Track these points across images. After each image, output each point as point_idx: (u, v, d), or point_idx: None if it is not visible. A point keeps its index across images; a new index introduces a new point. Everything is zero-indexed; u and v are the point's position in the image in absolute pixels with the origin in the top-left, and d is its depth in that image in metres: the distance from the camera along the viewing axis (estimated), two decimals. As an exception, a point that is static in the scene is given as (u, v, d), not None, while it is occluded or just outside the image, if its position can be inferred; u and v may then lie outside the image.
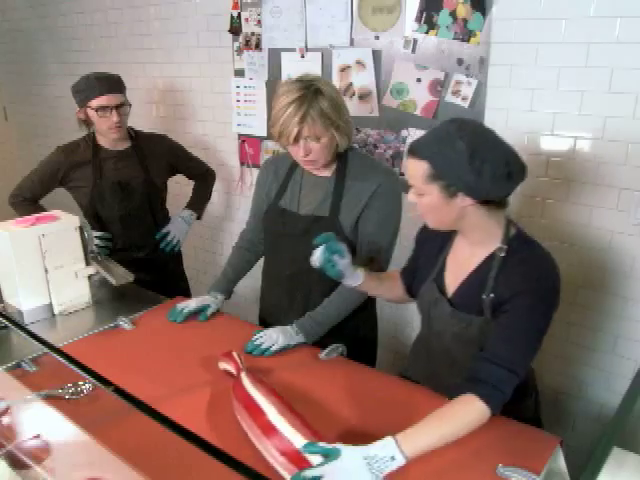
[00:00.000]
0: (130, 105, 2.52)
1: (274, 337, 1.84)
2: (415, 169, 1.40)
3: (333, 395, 1.62)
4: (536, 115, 2.18)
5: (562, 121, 2.13)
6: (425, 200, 1.43)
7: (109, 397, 1.06)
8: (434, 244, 1.65)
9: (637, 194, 2.03)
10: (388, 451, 1.24)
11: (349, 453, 1.23)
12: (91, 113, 2.43)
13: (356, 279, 1.70)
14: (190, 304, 2.06)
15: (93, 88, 2.40)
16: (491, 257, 1.47)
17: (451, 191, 1.38)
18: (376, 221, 1.87)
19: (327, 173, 1.92)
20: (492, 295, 1.44)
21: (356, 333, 2.01)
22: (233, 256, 2.19)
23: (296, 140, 1.75)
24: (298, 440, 1.29)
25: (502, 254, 1.45)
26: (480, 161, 1.33)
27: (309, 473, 1.20)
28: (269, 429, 1.33)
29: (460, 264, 1.56)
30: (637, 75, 1.94)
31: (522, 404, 1.54)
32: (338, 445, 1.25)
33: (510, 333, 1.40)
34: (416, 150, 1.40)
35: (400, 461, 1.24)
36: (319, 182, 1.92)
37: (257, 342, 1.83)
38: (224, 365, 1.71)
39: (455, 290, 1.55)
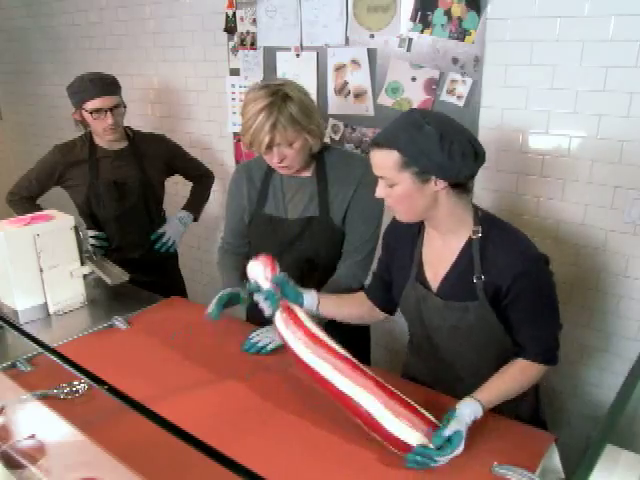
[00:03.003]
0: (125, 106, 2.51)
1: (271, 335, 1.84)
2: (384, 160, 1.40)
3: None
4: (531, 114, 2.18)
5: (556, 120, 2.13)
6: (397, 190, 1.42)
7: (104, 397, 1.06)
8: (404, 243, 1.64)
9: (631, 192, 2.04)
10: (477, 415, 1.39)
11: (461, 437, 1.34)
12: (86, 115, 2.42)
13: (310, 302, 1.67)
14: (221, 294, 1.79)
15: (87, 90, 2.38)
16: (469, 242, 1.49)
17: (424, 176, 1.39)
18: (362, 211, 1.88)
19: (307, 173, 1.91)
20: (483, 277, 1.45)
21: (349, 326, 2.01)
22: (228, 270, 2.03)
23: (269, 148, 1.74)
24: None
25: (479, 235, 1.47)
26: (449, 143, 1.36)
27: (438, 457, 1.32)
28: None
29: (437, 257, 1.55)
30: (631, 74, 1.94)
31: (519, 402, 1.55)
32: (453, 428, 1.34)
33: (536, 312, 1.47)
34: (383, 140, 1.41)
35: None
36: (301, 183, 1.91)
37: (254, 340, 1.83)
38: (264, 282, 1.59)
39: (440, 283, 1.54)
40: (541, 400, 1.69)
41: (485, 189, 2.37)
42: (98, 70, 2.53)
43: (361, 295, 1.80)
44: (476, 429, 1.43)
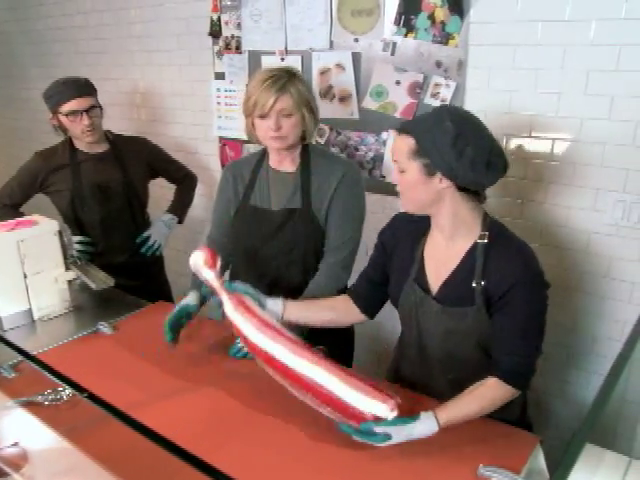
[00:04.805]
0: (101, 108, 2.50)
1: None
2: (401, 145, 1.44)
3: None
4: (514, 117, 2.19)
5: (540, 123, 2.14)
6: (405, 177, 1.45)
7: (89, 404, 1.05)
8: (405, 243, 1.64)
9: (613, 194, 2.05)
10: (430, 432, 1.36)
11: (396, 438, 1.34)
12: (62, 119, 2.42)
13: (275, 308, 1.67)
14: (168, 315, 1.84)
15: (61, 93, 2.39)
16: (474, 247, 1.49)
17: (431, 170, 1.40)
18: (343, 210, 1.91)
19: (292, 168, 1.95)
20: (483, 283, 1.45)
21: (335, 328, 2.01)
22: None
23: (269, 112, 1.80)
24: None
25: (485, 240, 1.47)
26: (464, 143, 1.36)
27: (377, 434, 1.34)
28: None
29: (440, 259, 1.55)
30: (612, 77, 1.96)
31: (507, 405, 1.54)
32: (387, 429, 1.34)
33: (521, 325, 1.44)
34: (405, 126, 1.45)
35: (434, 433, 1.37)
36: (286, 177, 1.96)
37: (240, 344, 1.83)
38: (205, 272, 1.63)
39: (440, 286, 1.54)
40: (528, 403, 1.69)
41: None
42: (83, 74, 2.53)
43: (333, 298, 1.80)
44: (462, 431, 1.43)
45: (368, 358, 2.84)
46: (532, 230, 2.25)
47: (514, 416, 1.59)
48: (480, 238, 1.48)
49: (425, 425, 1.36)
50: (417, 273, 1.59)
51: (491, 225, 1.51)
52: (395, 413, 1.34)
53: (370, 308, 1.76)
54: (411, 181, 1.44)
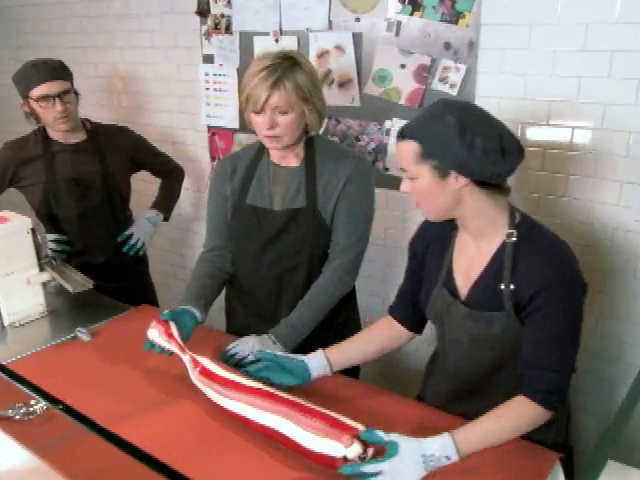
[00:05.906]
0: (77, 93, 2.50)
1: (250, 346, 1.82)
2: (405, 151, 1.43)
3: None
4: (530, 103, 2.19)
5: (558, 110, 2.14)
6: (418, 184, 1.44)
7: (64, 417, 1.05)
8: (434, 249, 1.65)
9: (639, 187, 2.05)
10: (445, 451, 1.33)
11: (407, 450, 1.31)
12: (34, 104, 2.41)
13: (320, 369, 1.67)
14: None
15: (31, 77, 2.38)
16: (502, 246, 1.49)
17: (443, 170, 1.40)
18: (351, 209, 1.90)
19: (295, 163, 1.94)
20: (512, 286, 1.45)
21: (339, 335, 2.01)
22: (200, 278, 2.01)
23: (263, 108, 1.76)
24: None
25: (513, 239, 1.47)
26: (471, 134, 1.36)
27: (367, 469, 1.29)
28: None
29: (469, 262, 1.56)
30: (639, 59, 1.95)
31: (548, 427, 1.51)
32: (394, 437, 1.33)
33: (551, 333, 1.43)
34: (406, 131, 1.44)
35: (454, 460, 1.33)
36: (288, 173, 1.94)
37: (231, 352, 1.82)
38: (165, 344, 1.73)
39: (469, 290, 1.55)
40: (572, 424, 1.69)
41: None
42: (57, 57, 2.52)
43: (373, 327, 1.80)
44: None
45: (370, 367, 2.84)
46: (550, 227, 2.23)
47: (557, 439, 1.58)
48: (508, 237, 1.48)
49: (438, 443, 1.33)
50: (445, 277, 1.60)
51: (521, 221, 1.51)
52: (355, 449, 1.31)
53: (417, 324, 1.77)
54: (425, 187, 1.44)
